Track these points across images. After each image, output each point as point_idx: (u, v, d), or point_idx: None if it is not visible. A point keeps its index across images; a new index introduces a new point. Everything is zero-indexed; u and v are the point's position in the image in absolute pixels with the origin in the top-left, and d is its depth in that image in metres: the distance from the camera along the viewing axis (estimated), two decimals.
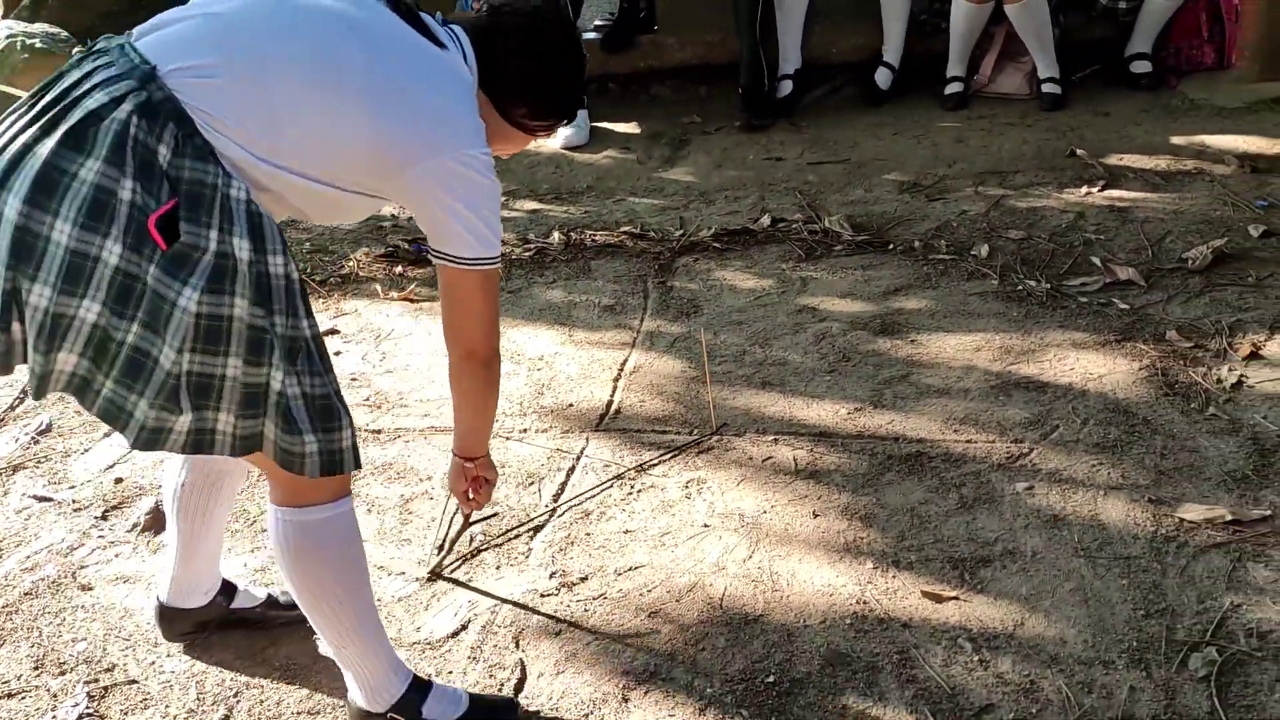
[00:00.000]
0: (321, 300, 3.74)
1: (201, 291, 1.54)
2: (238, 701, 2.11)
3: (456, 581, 2.37)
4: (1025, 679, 2.00)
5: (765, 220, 4.00)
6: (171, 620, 2.19)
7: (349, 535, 1.86)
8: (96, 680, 2.17)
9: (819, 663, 2.08)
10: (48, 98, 1.57)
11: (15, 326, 1.55)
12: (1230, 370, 2.82)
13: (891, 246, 3.74)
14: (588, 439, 2.82)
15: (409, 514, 2.60)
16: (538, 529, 2.51)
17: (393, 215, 4.35)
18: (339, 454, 1.69)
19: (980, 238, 3.72)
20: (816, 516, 2.46)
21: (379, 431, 2.94)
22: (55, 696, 2.14)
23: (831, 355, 3.11)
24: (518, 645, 2.19)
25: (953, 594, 2.20)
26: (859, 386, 2.94)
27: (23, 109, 1.60)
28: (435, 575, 2.39)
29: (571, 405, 2.98)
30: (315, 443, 1.66)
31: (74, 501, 2.73)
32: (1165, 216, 3.73)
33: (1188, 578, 2.19)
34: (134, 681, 2.17)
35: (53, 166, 1.50)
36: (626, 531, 2.48)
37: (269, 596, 2.27)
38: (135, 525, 2.61)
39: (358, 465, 1.74)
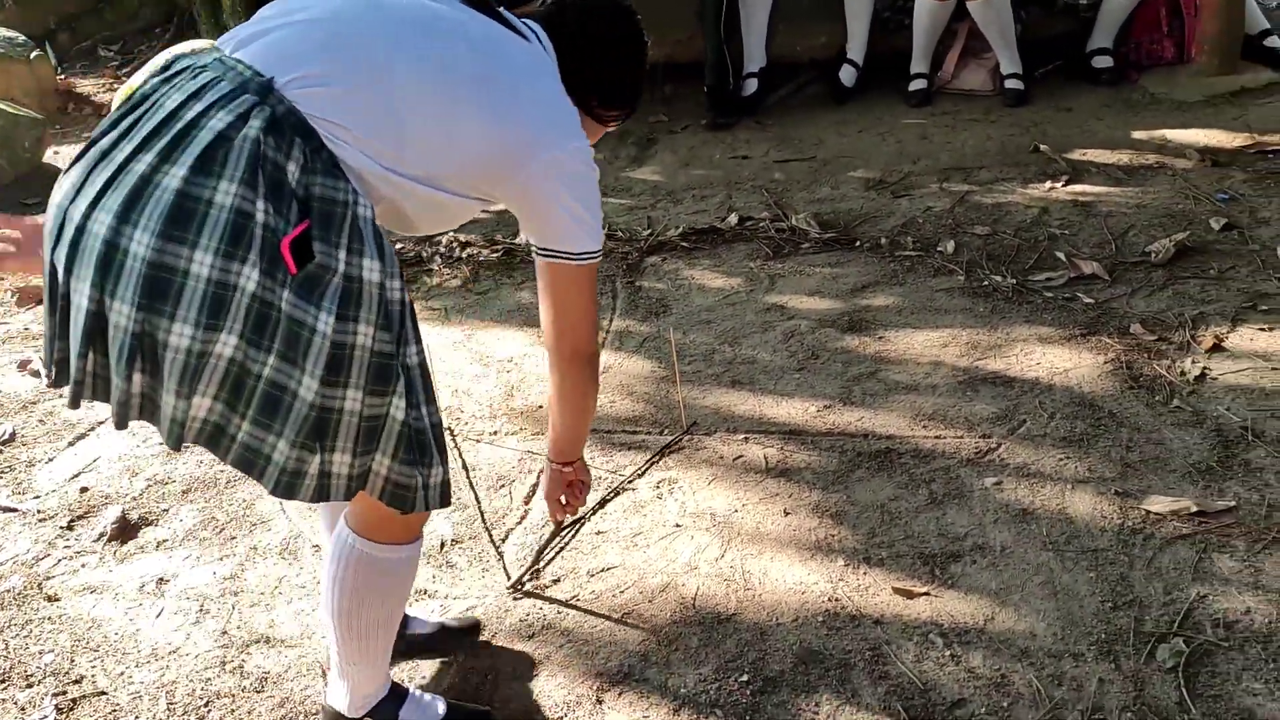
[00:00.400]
0: None
1: (335, 317, 1.45)
2: (208, 711, 2.09)
3: (540, 596, 2.31)
4: (996, 673, 2.01)
5: (733, 219, 4.00)
6: None
7: (412, 574, 1.83)
8: (65, 692, 2.15)
9: (792, 661, 2.08)
10: (152, 121, 1.45)
11: (137, 377, 1.44)
12: (1194, 362, 2.85)
13: (858, 244, 3.76)
14: None
15: None
16: (509, 531, 2.51)
17: None
18: (430, 490, 1.61)
19: (946, 234, 3.74)
20: (787, 515, 2.47)
21: None
22: (23, 710, 2.11)
23: (800, 353, 3.12)
24: (490, 649, 2.19)
25: (923, 590, 2.22)
26: (828, 384, 2.95)
27: (114, 135, 1.48)
28: (518, 590, 2.33)
29: (541, 407, 2.98)
30: (420, 477, 1.58)
31: (39, 512, 2.70)
32: (1128, 211, 3.77)
33: (1155, 569, 2.21)
34: (103, 693, 2.15)
35: (186, 195, 1.40)
36: (598, 532, 2.48)
37: (442, 626, 2.19)
38: (102, 535, 2.59)
39: (445, 503, 1.64)
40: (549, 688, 2.08)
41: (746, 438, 2.76)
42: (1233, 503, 2.35)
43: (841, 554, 2.33)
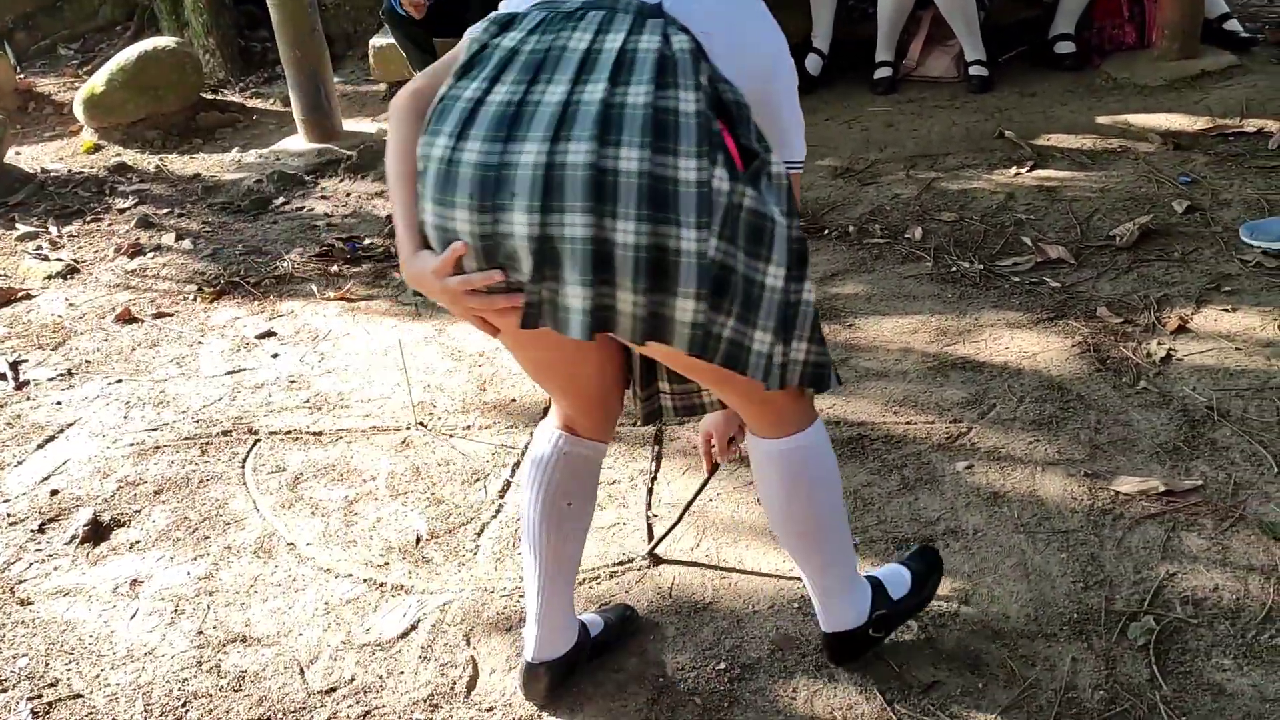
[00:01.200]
0: (257, 302, 3.70)
1: (777, 207, 1.54)
2: (186, 711, 2.08)
3: (681, 562, 2.33)
4: (970, 654, 2.03)
5: None
6: (540, 676, 2.02)
7: (831, 450, 1.87)
8: (40, 696, 2.14)
9: (768, 647, 2.10)
10: (570, 60, 1.48)
11: (646, 295, 1.46)
12: (1159, 344, 2.88)
13: (827, 232, 3.77)
14: (532, 434, 2.81)
15: (354, 515, 2.58)
16: (484, 525, 2.51)
17: (326, 214, 4.31)
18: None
19: (913, 221, 3.76)
20: (761, 502, 2.48)
21: (320, 433, 2.92)
22: None
23: None
24: (468, 643, 2.19)
25: None
26: None
27: (508, 88, 1.49)
28: (657, 559, 2.35)
29: (514, 401, 2.98)
30: (828, 355, 1.69)
31: (9, 515, 2.68)
32: (1092, 195, 3.80)
33: (1124, 549, 2.24)
34: (79, 695, 2.14)
35: (658, 109, 1.44)
36: None
37: (616, 615, 2.18)
38: (74, 538, 2.57)
39: (837, 380, 1.77)
40: None
41: None
42: (1199, 482, 2.38)
43: None
